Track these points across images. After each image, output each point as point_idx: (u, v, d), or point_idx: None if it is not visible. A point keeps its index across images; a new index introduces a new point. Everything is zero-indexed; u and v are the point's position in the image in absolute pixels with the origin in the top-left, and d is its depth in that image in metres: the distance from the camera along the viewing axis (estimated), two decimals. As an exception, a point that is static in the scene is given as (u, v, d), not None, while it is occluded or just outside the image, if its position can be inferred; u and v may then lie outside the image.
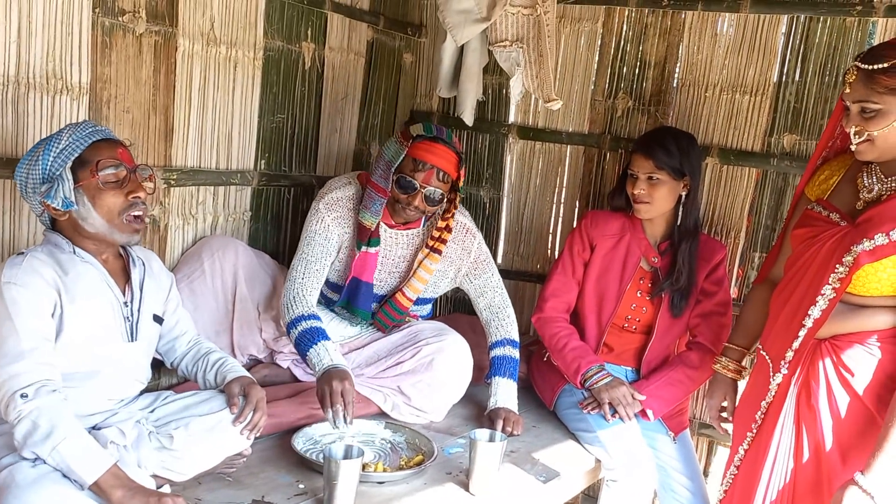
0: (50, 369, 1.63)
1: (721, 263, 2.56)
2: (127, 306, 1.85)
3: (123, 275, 1.88)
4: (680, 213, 2.49)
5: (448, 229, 2.46)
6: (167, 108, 2.38)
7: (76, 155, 1.73)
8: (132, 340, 1.85)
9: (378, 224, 2.39)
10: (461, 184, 2.42)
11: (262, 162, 2.76)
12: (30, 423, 1.56)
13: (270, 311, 2.56)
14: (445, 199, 2.40)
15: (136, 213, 1.79)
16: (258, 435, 1.90)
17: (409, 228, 2.48)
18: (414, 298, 2.51)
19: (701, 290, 2.54)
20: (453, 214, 2.46)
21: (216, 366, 1.97)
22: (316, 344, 2.16)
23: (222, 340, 2.49)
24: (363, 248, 2.39)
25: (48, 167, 1.73)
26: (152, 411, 1.88)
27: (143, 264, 1.93)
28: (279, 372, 2.55)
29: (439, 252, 2.46)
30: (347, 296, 2.48)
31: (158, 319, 1.94)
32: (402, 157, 2.31)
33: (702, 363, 2.47)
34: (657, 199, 2.46)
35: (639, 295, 2.56)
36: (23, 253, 1.73)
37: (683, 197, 2.48)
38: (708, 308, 2.53)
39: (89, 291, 1.77)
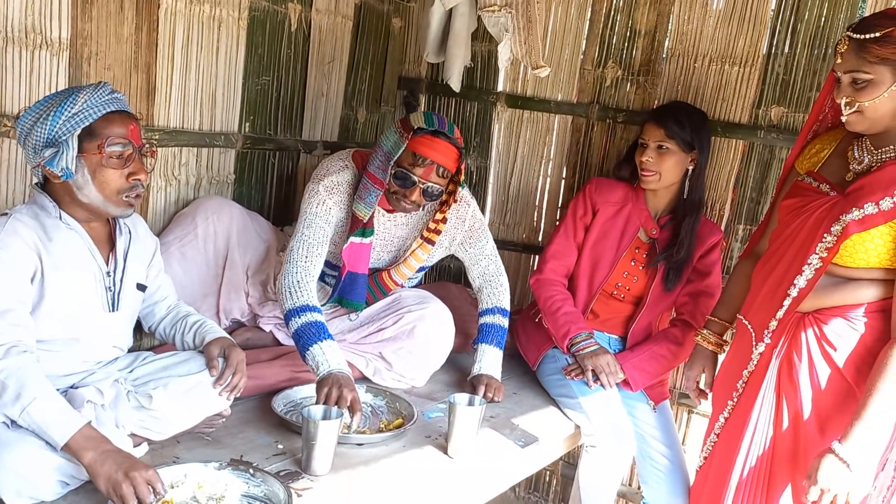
0: (22, 331, 1.62)
1: (716, 246, 2.57)
2: (109, 276, 1.83)
3: (108, 243, 1.85)
4: (686, 187, 2.51)
5: (444, 221, 2.45)
6: (149, 67, 2.35)
7: (87, 124, 1.68)
8: (113, 310, 1.84)
9: (372, 216, 2.35)
10: (461, 177, 2.38)
11: (247, 125, 2.73)
12: None
13: (259, 274, 2.55)
14: (444, 193, 2.38)
15: (135, 193, 1.76)
16: (238, 396, 1.90)
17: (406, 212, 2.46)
18: (401, 283, 2.51)
19: (693, 269, 2.55)
20: (450, 206, 2.44)
21: (194, 328, 1.96)
22: (318, 342, 2.09)
23: (208, 303, 2.48)
24: (355, 239, 2.35)
25: (55, 130, 1.67)
26: (131, 371, 1.87)
27: (130, 232, 1.90)
28: (261, 335, 2.54)
29: (432, 243, 2.46)
30: (342, 290, 2.43)
31: (141, 287, 1.93)
32: (401, 150, 2.25)
33: (685, 341, 2.50)
34: (665, 170, 2.46)
35: (632, 264, 2.57)
36: (6, 214, 1.70)
37: (690, 171, 2.49)
38: (697, 288, 2.55)
39: (72, 261, 1.75)
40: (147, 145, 1.80)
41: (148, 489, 1.51)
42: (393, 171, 2.28)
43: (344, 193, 2.37)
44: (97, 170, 1.70)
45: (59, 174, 1.67)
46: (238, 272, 2.52)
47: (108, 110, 1.70)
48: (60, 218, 1.74)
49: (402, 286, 2.56)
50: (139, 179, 1.74)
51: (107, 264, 1.82)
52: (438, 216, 2.45)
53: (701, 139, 2.47)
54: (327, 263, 2.47)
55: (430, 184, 2.28)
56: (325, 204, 2.34)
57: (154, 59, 2.35)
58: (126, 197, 1.74)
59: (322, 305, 2.40)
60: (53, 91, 2.02)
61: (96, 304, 1.80)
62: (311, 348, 2.07)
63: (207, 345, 1.90)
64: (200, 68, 2.51)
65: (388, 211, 2.43)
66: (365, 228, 2.35)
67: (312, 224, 2.31)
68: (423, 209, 2.47)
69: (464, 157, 2.36)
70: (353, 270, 2.39)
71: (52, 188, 1.75)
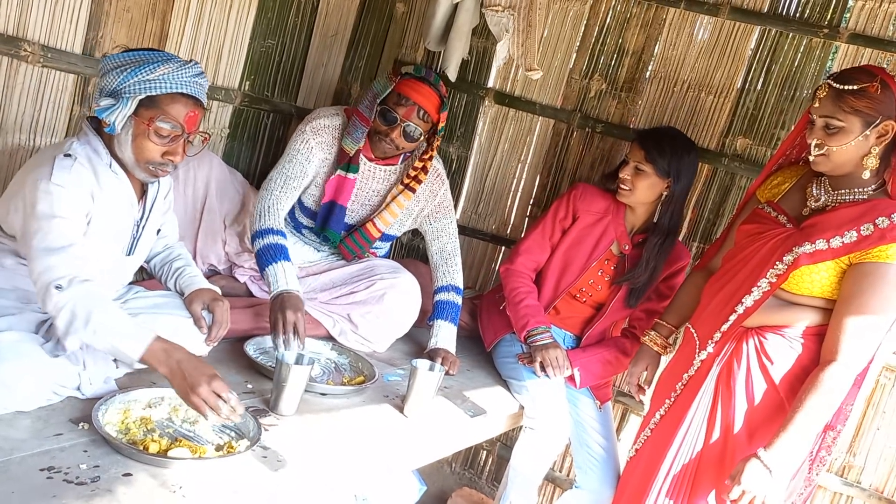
0: (83, 262, 1.68)
1: (681, 271, 2.70)
2: (137, 225, 1.92)
3: (141, 190, 1.93)
4: (658, 211, 2.62)
5: (424, 170, 2.60)
6: (165, 15, 2.44)
7: (152, 94, 1.73)
8: (130, 254, 1.94)
9: (358, 153, 2.51)
10: (441, 126, 2.55)
11: (247, 83, 2.84)
12: (69, 313, 1.60)
13: (236, 226, 2.67)
14: (424, 139, 2.53)
15: (162, 169, 1.83)
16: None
17: (387, 164, 2.61)
18: (382, 230, 2.64)
19: (655, 288, 2.69)
20: (431, 157, 2.59)
21: (176, 274, 2.06)
22: (276, 262, 2.27)
23: (185, 247, 2.57)
24: (340, 172, 2.51)
25: (123, 86, 1.72)
26: (125, 303, 1.97)
27: (159, 181, 1.97)
28: (236, 286, 2.66)
29: (413, 190, 2.61)
30: (323, 219, 2.59)
31: (158, 232, 2.03)
32: (388, 91, 2.45)
33: (633, 352, 2.65)
34: (638, 189, 2.58)
35: (599, 274, 2.70)
36: (70, 155, 1.75)
37: (664, 196, 2.61)
38: (654, 308, 2.70)
39: (115, 209, 1.83)
40: (202, 134, 1.87)
41: (216, 397, 1.61)
42: (378, 109, 2.46)
43: (329, 136, 2.53)
44: (139, 135, 1.77)
45: (108, 124, 1.74)
46: (215, 218, 2.64)
47: (179, 91, 1.76)
48: (110, 166, 1.82)
49: (379, 241, 2.68)
50: (172, 160, 1.81)
51: (138, 212, 1.92)
52: (418, 164, 2.59)
53: (679, 169, 2.54)
54: (308, 212, 2.61)
55: (411, 124, 2.45)
56: (308, 143, 2.50)
57: (171, 7, 2.45)
58: (153, 167, 1.82)
59: (307, 235, 2.59)
60: (78, 22, 2.10)
61: (119, 248, 1.89)
62: (269, 266, 2.26)
63: (190, 300, 1.98)
64: (212, 23, 2.61)
65: (371, 160, 2.58)
66: (350, 164, 2.51)
67: (294, 160, 2.48)
68: (401, 163, 2.63)
69: (445, 107, 2.53)
70: (333, 199, 2.55)
71: (103, 131, 1.81)
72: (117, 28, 2.29)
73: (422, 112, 2.46)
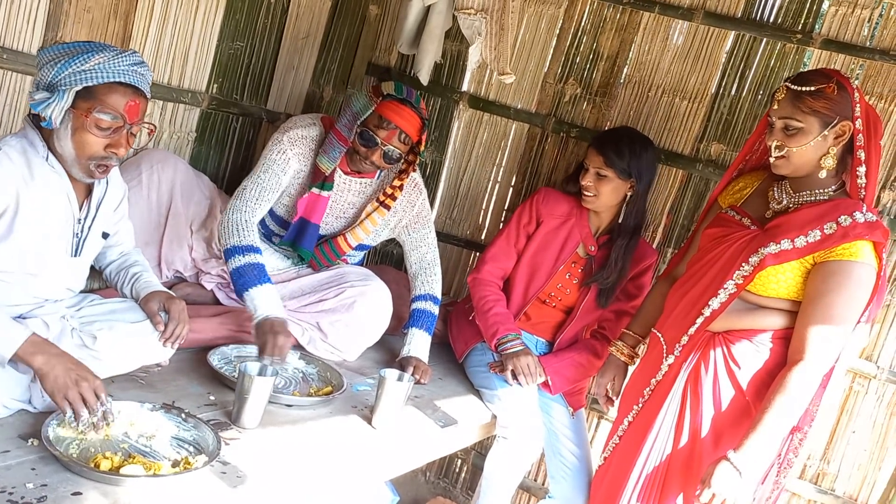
0: None
1: (648, 269, 2.70)
2: (79, 223, 1.85)
3: (85, 189, 1.87)
4: (623, 212, 2.61)
5: (401, 188, 2.55)
6: (128, 15, 2.38)
7: (89, 84, 1.68)
8: (75, 255, 1.87)
9: (334, 169, 2.46)
10: (422, 148, 2.51)
11: (215, 86, 2.78)
12: None
13: (203, 231, 2.60)
14: (403, 160, 2.49)
15: (104, 164, 1.77)
16: (180, 346, 1.96)
17: (363, 177, 2.56)
18: (354, 245, 2.60)
19: (623, 288, 2.68)
20: (409, 174, 2.55)
21: (132, 280, 1.99)
22: (259, 285, 2.18)
23: (150, 253, 2.51)
24: (314, 190, 2.45)
25: (59, 78, 1.67)
26: (79, 310, 1.91)
27: (107, 181, 1.91)
28: (203, 293, 2.60)
29: (388, 208, 2.56)
30: (294, 235, 2.53)
31: (105, 235, 1.96)
32: (369, 112, 2.39)
33: (604, 354, 2.64)
34: (602, 194, 2.57)
35: (567, 277, 2.68)
36: None
37: (628, 197, 2.60)
38: (623, 308, 2.69)
39: (49, 204, 1.76)
40: (148, 124, 1.81)
41: (95, 397, 1.56)
42: (358, 131, 2.40)
43: (306, 147, 2.47)
44: (78, 129, 1.71)
45: (45, 119, 1.68)
46: (181, 222, 2.57)
47: (116, 80, 1.70)
48: (47, 159, 1.75)
49: (352, 251, 2.63)
50: (115, 153, 1.75)
51: (80, 210, 1.85)
52: (396, 182, 2.54)
53: (640, 168, 2.54)
54: (279, 220, 2.55)
55: (391, 147, 2.40)
56: (285, 153, 2.43)
57: (134, 8, 2.39)
58: (94, 165, 1.75)
59: (277, 244, 2.54)
60: (35, 22, 2.05)
61: (61, 247, 1.82)
62: (250, 290, 2.16)
63: (145, 301, 1.92)
64: (177, 24, 2.55)
65: (346, 173, 2.53)
66: (325, 182, 2.45)
67: (269, 170, 2.41)
68: (378, 177, 2.58)
69: (426, 129, 2.48)
70: (305, 217, 2.49)
71: (41, 127, 1.75)
72: (77, 29, 2.22)
73: (403, 135, 2.42)
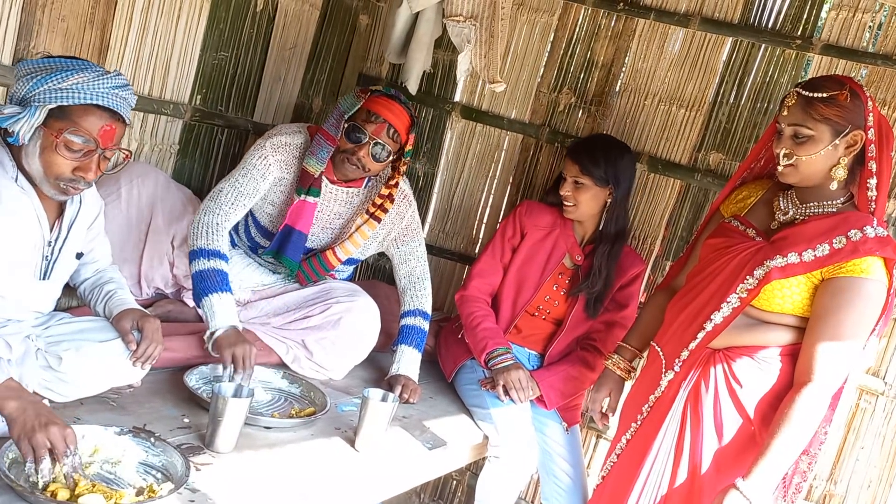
0: None
1: (637, 279, 2.64)
2: (49, 245, 1.78)
3: (57, 210, 1.80)
4: (603, 218, 2.58)
5: (391, 198, 2.47)
6: (105, 24, 2.32)
7: (63, 104, 1.61)
8: (44, 279, 1.79)
9: (321, 175, 2.38)
10: (408, 148, 2.42)
11: (199, 97, 2.71)
12: None
13: (185, 246, 2.52)
14: (390, 161, 2.41)
15: (73, 186, 1.70)
16: (153, 366, 1.88)
17: (350, 186, 2.48)
18: (343, 259, 2.51)
19: (612, 298, 2.62)
20: (397, 183, 2.46)
21: (105, 298, 1.92)
22: (217, 292, 2.13)
23: (129, 270, 2.43)
24: (302, 196, 2.37)
25: (32, 93, 1.60)
26: (46, 328, 1.83)
27: (81, 200, 1.84)
28: (184, 309, 2.52)
29: (378, 220, 2.48)
30: (279, 244, 2.44)
31: (79, 255, 1.89)
32: (356, 108, 2.32)
33: (596, 366, 2.57)
34: (581, 202, 2.54)
35: (555, 289, 2.63)
36: None
37: (608, 203, 2.56)
38: (613, 318, 2.62)
39: (17, 225, 1.69)
40: (122, 151, 1.74)
41: (65, 444, 1.47)
42: (346, 126, 2.33)
43: (290, 155, 2.40)
44: (47, 148, 1.64)
45: (12, 133, 1.61)
46: (162, 239, 2.49)
47: (93, 102, 1.63)
48: (16, 180, 1.68)
49: (341, 265, 2.56)
50: (83, 177, 1.68)
51: (50, 233, 1.77)
52: (384, 191, 2.46)
53: (617, 174, 2.52)
54: (264, 231, 2.47)
55: (379, 142, 2.32)
56: (266, 159, 2.37)
57: (111, 16, 2.32)
58: (63, 185, 1.68)
59: (263, 255, 2.47)
60: (7, 32, 1.99)
61: (29, 270, 1.75)
62: (210, 295, 2.12)
63: (118, 319, 1.85)
64: (158, 33, 2.48)
65: (333, 182, 2.45)
66: (311, 187, 2.37)
67: (248, 175, 2.35)
68: (365, 187, 2.49)
69: (413, 130, 2.41)
70: (291, 225, 2.40)
71: (10, 144, 1.67)
72: (51, 38, 2.15)
73: (391, 130, 2.34)
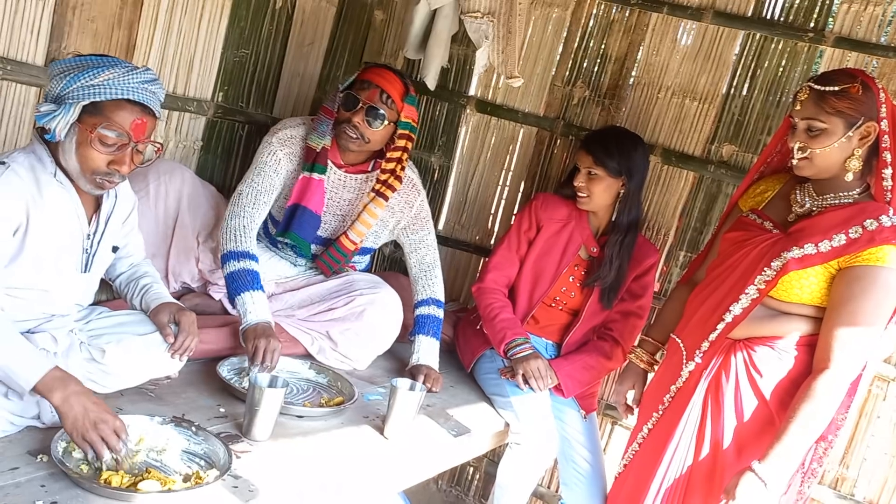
0: None
1: (652, 268, 2.68)
2: (89, 238, 1.83)
3: (94, 204, 1.85)
4: (616, 209, 2.61)
5: (396, 176, 2.51)
6: (132, 25, 2.37)
7: (96, 100, 1.66)
8: (85, 271, 1.85)
9: (325, 151, 2.44)
10: (405, 119, 2.46)
11: (221, 94, 2.76)
12: None
13: (210, 242, 2.58)
14: (388, 131, 2.45)
15: (109, 180, 1.74)
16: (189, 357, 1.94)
17: (357, 172, 2.53)
18: (358, 242, 2.56)
19: (627, 288, 2.66)
20: (400, 159, 2.51)
21: (142, 292, 1.97)
22: (249, 291, 2.20)
23: (157, 265, 2.46)
24: (305, 173, 2.43)
25: (66, 91, 1.65)
26: (87, 323, 1.89)
27: (116, 195, 1.90)
28: (211, 303, 2.57)
29: (385, 197, 2.52)
30: (287, 221, 2.49)
31: (115, 249, 1.95)
32: (352, 78, 2.43)
33: (613, 355, 2.63)
34: (595, 194, 2.58)
35: (571, 280, 2.67)
36: (4, 162, 1.67)
37: (621, 194, 2.60)
38: (629, 308, 2.66)
39: (58, 221, 1.74)
40: (154, 143, 1.79)
41: (116, 437, 1.53)
42: (341, 97, 2.41)
43: (296, 147, 2.47)
44: (83, 143, 1.68)
45: (50, 132, 1.66)
46: (188, 234, 2.55)
47: (125, 97, 1.68)
48: (55, 175, 1.73)
49: (357, 252, 2.61)
50: (118, 170, 1.73)
51: (88, 226, 1.83)
52: (387, 165, 2.50)
53: (630, 165, 2.56)
54: (275, 221, 2.54)
55: (373, 106, 2.38)
56: (275, 155, 2.43)
57: (138, 17, 2.37)
58: (99, 179, 1.73)
59: (276, 237, 2.54)
60: (39, 33, 2.03)
61: (71, 263, 1.80)
62: (242, 294, 2.20)
63: (155, 313, 1.90)
64: (182, 33, 2.53)
65: (340, 167, 2.50)
66: (316, 163, 2.44)
67: (262, 173, 2.42)
68: (371, 169, 2.53)
69: (410, 98, 2.46)
70: (299, 203, 2.46)
71: (50, 141, 1.72)
72: (81, 39, 2.20)
73: (384, 95, 2.40)
